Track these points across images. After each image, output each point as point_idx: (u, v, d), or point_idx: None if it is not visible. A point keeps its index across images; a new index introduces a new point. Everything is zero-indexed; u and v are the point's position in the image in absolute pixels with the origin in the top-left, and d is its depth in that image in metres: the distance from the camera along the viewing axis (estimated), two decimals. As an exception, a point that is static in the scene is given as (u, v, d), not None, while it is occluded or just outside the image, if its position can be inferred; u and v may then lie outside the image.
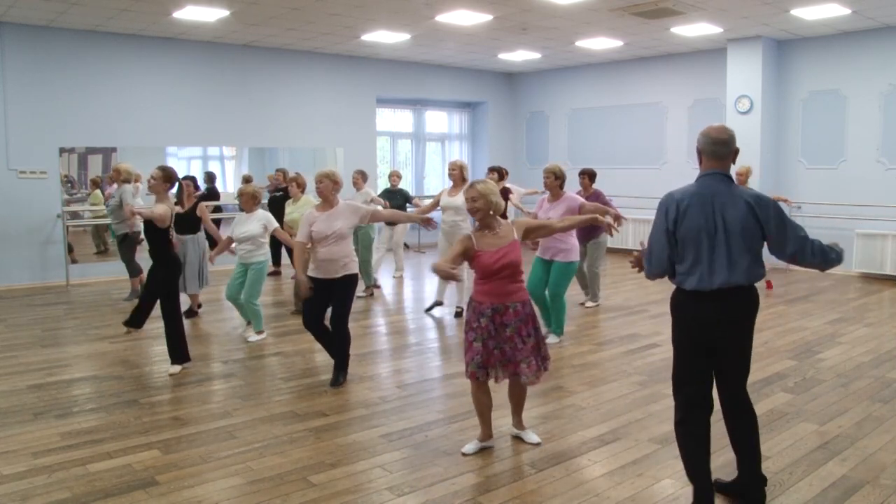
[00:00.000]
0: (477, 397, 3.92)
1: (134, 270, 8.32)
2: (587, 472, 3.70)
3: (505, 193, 7.75)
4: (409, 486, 3.53)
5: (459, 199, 6.55)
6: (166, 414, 4.59)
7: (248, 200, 6.46)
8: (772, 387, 5.09)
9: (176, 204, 6.53)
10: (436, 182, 13.98)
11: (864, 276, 9.85)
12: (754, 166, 10.22)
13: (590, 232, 7.61)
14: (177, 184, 6.38)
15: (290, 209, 7.48)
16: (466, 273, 6.66)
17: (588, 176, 8.00)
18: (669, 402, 4.72)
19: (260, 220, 6.41)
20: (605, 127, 12.87)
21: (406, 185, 13.08)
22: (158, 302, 5.47)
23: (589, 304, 8.01)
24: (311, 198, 7.21)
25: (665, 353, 5.97)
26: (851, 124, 9.99)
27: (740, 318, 3.06)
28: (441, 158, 14.23)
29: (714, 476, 3.25)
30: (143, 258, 5.56)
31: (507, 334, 3.76)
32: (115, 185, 8.33)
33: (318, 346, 5.80)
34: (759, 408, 4.54)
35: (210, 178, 10.91)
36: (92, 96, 9.57)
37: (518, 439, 4.09)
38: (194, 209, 7.09)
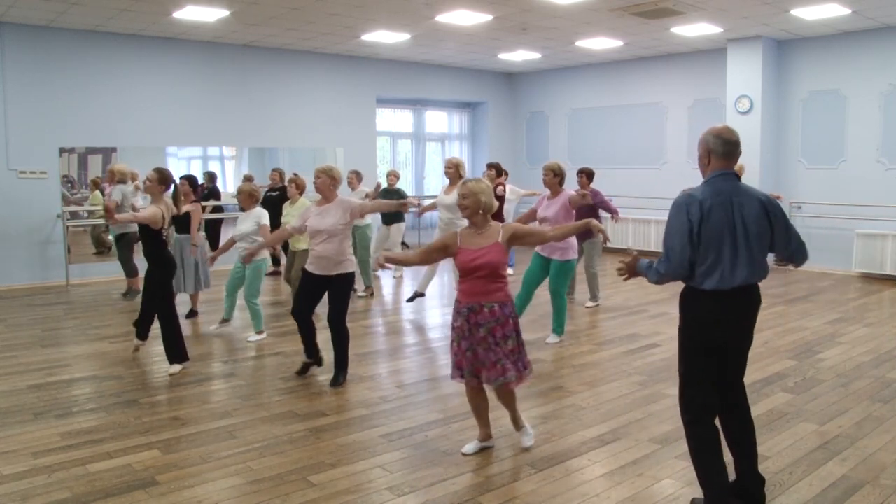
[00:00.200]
0: (470, 397, 3.92)
1: (131, 270, 8.32)
2: (587, 472, 3.70)
3: (498, 196, 7.80)
4: (409, 486, 3.53)
5: (454, 196, 6.56)
6: (166, 414, 4.60)
7: (246, 198, 6.53)
8: (772, 387, 5.09)
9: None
10: (436, 182, 13.97)
11: (864, 276, 9.85)
12: (754, 166, 10.25)
13: (586, 231, 7.61)
14: (172, 186, 6.38)
15: (287, 211, 7.46)
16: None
17: (586, 175, 8.04)
18: (669, 402, 4.75)
19: (254, 218, 6.48)
20: (605, 127, 12.86)
21: (406, 185, 13.11)
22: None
23: (589, 303, 8.02)
24: (307, 201, 7.20)
25: (665, 353, 5.98)
26: (851, 124, 9.99)
27: (751, 315, 3.12)
28: (441, 158, 14.19)
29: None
30: (143, 258, 5.58)
31: (481, 335, 3.70)
32: (113, 186, 8.35)
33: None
34: (760, 408, 4.56)
35: (211, 177, 10.90)
36: (92, 96, 9.57)
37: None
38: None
